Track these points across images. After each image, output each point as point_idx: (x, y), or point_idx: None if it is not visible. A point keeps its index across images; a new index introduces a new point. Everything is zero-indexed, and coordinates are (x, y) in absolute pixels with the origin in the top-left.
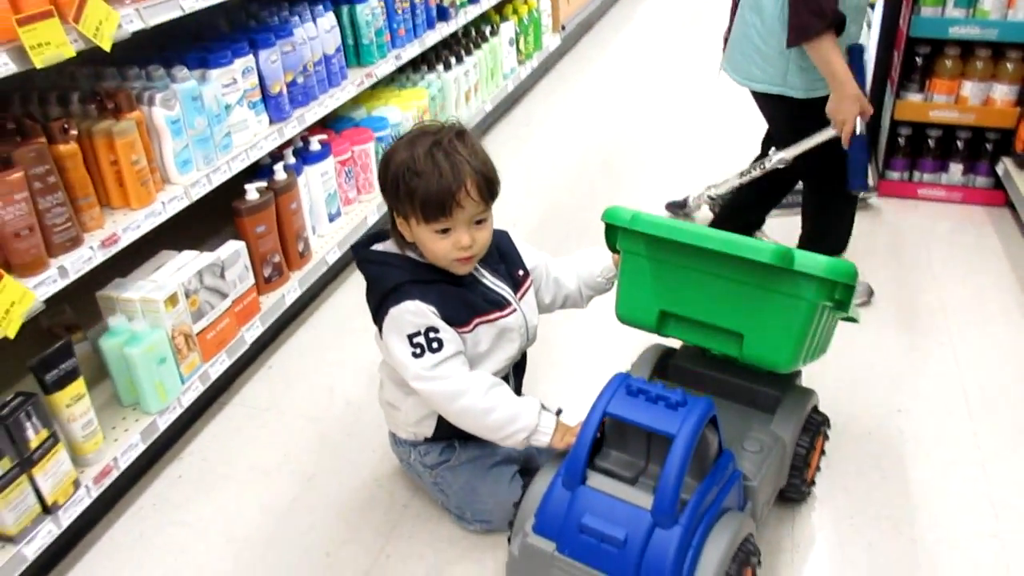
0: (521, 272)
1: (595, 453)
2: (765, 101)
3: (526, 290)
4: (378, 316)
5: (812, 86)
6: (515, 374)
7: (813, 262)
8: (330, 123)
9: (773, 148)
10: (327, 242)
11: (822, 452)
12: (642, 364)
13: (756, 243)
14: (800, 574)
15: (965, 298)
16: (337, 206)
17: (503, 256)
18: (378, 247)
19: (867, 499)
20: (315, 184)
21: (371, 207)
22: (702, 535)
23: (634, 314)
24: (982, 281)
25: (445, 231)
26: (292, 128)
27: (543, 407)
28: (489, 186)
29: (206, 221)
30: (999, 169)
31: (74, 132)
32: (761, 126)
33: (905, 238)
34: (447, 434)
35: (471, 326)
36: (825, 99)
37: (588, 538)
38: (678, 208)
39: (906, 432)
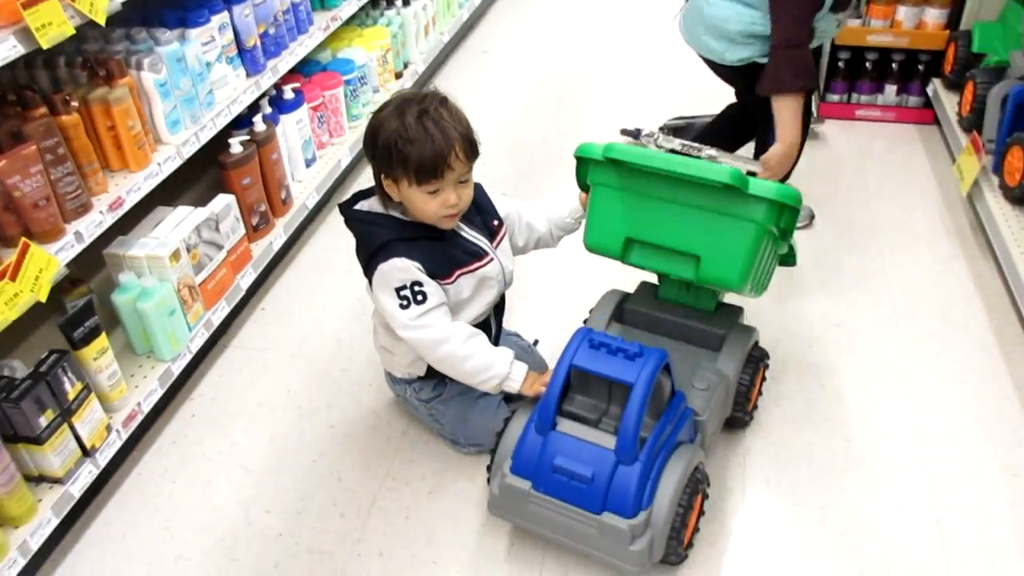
0: (496, 222)
1: (562, 399)
2: (733, 72)
3: (501, 238)
4: (368, 271)
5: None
6: (495, 314)
7: (764, 186)
8: (298, 68)
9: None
10: (306, 187)
11: (762, 383)
12: (601, 307)
13: (717, 167)
14: (749, 472)
15: (896, 215)
16: (312, 151)
17: (479, 208)
18: (363, 205)
19: (807, 405)
20: (291, 132)
21: (343, 150)
22: (659, 468)
23: (602, 242)
24: (911, 198)
25: (435, 192)
26: (267, 79)
27: (515, 358)
28: (472, 148)
29: (189, 176)
30: (929, 90)
31: (75, 102)
32: None
33: (843, 158)
34: (438, 372)
35: (453, 278)
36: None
37: (560, 477)
38: (631, 136)
39: (842, 343)
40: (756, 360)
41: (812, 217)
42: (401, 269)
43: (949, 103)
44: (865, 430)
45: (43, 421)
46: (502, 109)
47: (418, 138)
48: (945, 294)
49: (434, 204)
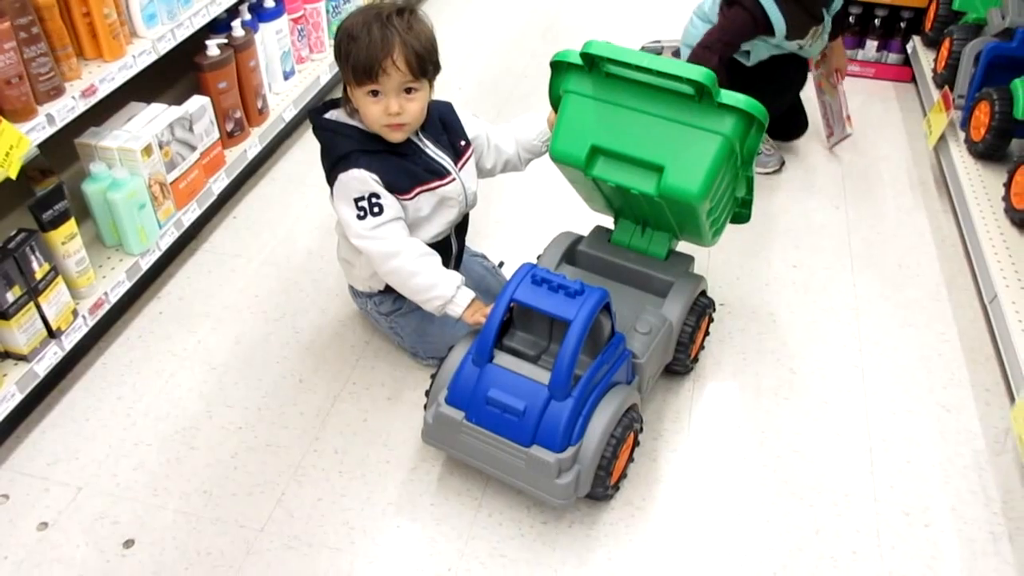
0: (463, 142)
1: (504, 334)
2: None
3: (467, 159)
4: (330, 180)
5: (756, 54)
6: (456, 234)
7: (735, 97)
8: None
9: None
10: (283, 99)
11: (707, 332)
12: (552, 248)
13: (690, 66)
14: (699, 397)
15: (864, 167)
16: (291, 64)
17: (446, 127)
18: (331, 115)
19: (758, 338)
20: (270, 42)
21: (323, 66)
22: (591, 406)
23: (567, 151)
24: (881, 151)
25: (375, 94)
26: None
27: (463, 285)
28: (419, 61)
29: (165, 78)
30: (909, 47)
31: None
32: None
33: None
34: None
35: (412, 194)
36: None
37: (493, 409)
38: None
39: (797, 283)
40: (701, 308)
41: (782, 163)
42: (359, 180)
43: (927, 60)
44: (810, 363)
45: (10, 297)
46: (487, 39)
47: (360, 37)
48: (903, 243)
49: (375, 109)
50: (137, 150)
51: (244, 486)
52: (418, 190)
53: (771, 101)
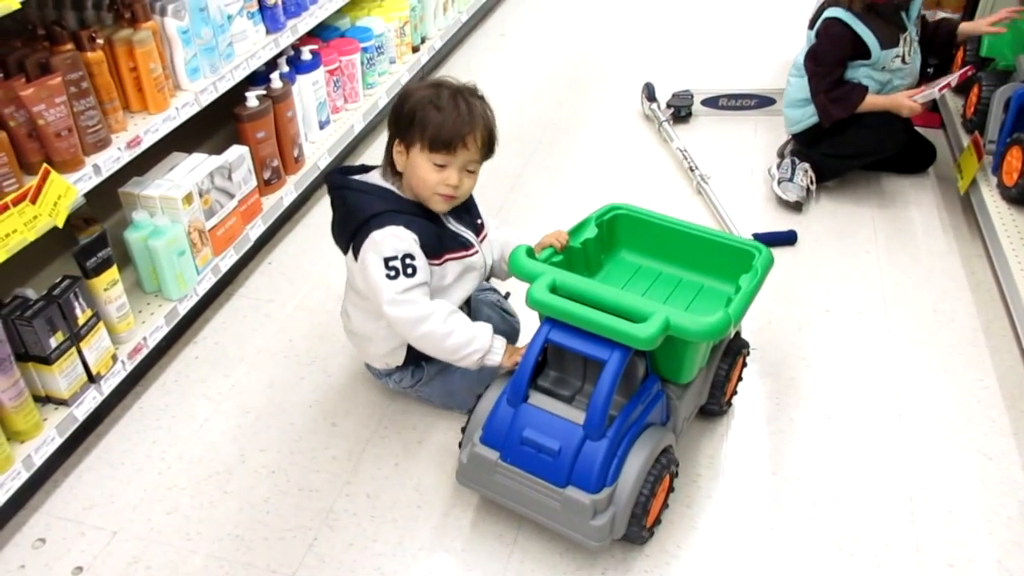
0: (480, 221)
1: (538, 374)
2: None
3: (484, 236)
4: (356, 239)
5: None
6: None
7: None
8: (317, 32)
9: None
10: (318, 148)
11: (741, 374)
12: None
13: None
14: (733, 441)
15: (894, 211)
16: (327, 114)
17: (467, 208)
18: (358, 178)
19: (791, 383)
20: (307, 92)
21: (357, 115)
22: (626, 446)
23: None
24: (911, 195)
25: (442, 167)
26: (286, 38)
27: (495, 332)
28: (490, 142)
29: (205, 128)
30: None
31: (100, 40)
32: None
33: None
34: (414, 358)
35: (441, 260)
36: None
37: (528, 448)
38: (649, 97)
39: (830, 327)
40: (736, 350)
41: (803, 198)
42: (397, 237)
43: (955, 106)
44: (846, 408)
45: (53, 342)
46: (515, 89)
47: (447, 108)
48: (936, 288)
49: (436, 177)
50: (178, 198)
51: (276, 530)
52: (447, 256)
53: (879, 144)
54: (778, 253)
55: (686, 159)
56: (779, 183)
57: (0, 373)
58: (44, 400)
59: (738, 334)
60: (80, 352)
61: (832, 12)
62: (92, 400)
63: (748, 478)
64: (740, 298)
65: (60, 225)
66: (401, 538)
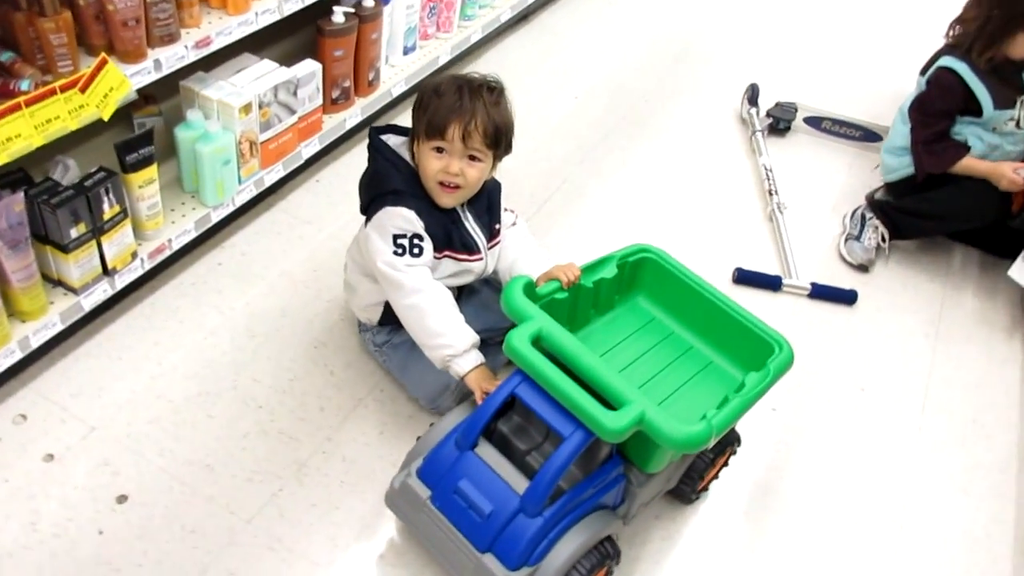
0: (498, 226)
1: (504, 412)
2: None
3: (496, 243)
4: (370, 207)
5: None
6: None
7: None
8: None
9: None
10: (397, 74)
11: (724, 465)
12: None
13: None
14: (699, 527)
15: (966, 300)
16: (415, 40)
17: (489, 208)
18: (395, 141)
19: (795, 459)
20: (399, 15)
21: (446, 47)
22: (564, 527)
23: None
24: (987, 294)
25: (440, 151)
26: None
27: (476, 347)
28: (495, 133)
29: (282, 28)
30: None
31: None
32: None
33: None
34: (392, 320)
35: (441, 254)
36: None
37: (460, 500)
38: (750, 101)
39: (860, 408)
40: (723, 443)
41: (868, 263)
42: (407, 219)
43: None
44: (845, 502)
45: (74, 232)
46: (614, 53)
47: (446, 95)
48: (984, 396)
49: (435, 164)
50: (236, 107)
51: (246, 470)
52: (447, 253)
53: (965, 212)
54: (832, 311)
55: (768, 179)
56: (845, 241)
57: (14, 253)
58: (55, 283)
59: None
60: (100, 246)
61: (946, 61)
62: (102, 292)
63: (712, 566)
64: (732, 408)
65: (106, 119)
66: (365, 514)
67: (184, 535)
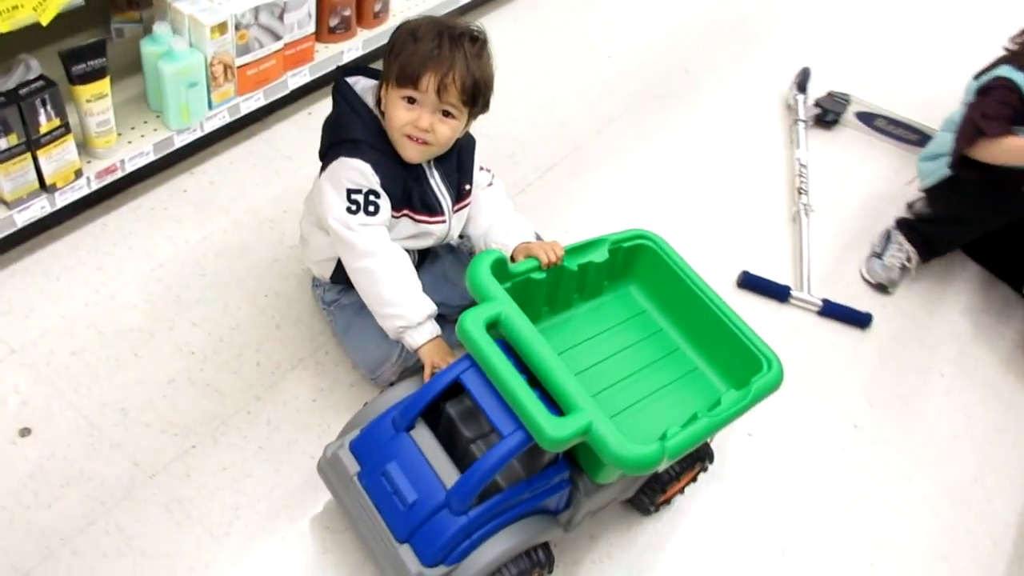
0: (468, 187)
1: (457, 393)
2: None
3: (464, 205)
4: (327, 155)
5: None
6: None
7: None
8: None
9: None
10: (411, 6)
11: (691, 481)
12: None
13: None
14: (656, 539)
15: (991, 338)
16: None
17: (460, 165)
18: (361, 85)
19: (763, 493)
20: None
21: None
22: (493, 528)
23: None
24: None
25: (411, 101)
26: None
27: (433, 319)
28: (473, 89)
29: None
30: None
31: None
32: None
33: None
34: (344, 279)
35: (399, 213)
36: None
37: (385, 483)
38: (799, 88)
39: (849, 449)
40: (694, 457)
41: (890, 285)
42: (361, 173)
43: None
44: (813, 548)
45: (3, 143)
46: (662, 13)
47: (424, 39)
48: (994, 455)
49: (405, 115)
50: (207, 25)
51: (161, 421)
52: (405, 212)
53: (992, 210)
54: (840, 333)
55: (801, 176)
56: (868, 257)
57: None
58: None
59: (707, 443)
60: (36, 159)
61: (1003, 71)
62: (40, 209)
63: None
64: (694, 431)
65: (44, 23)
66: (275, 487)
67: (81, 481)
